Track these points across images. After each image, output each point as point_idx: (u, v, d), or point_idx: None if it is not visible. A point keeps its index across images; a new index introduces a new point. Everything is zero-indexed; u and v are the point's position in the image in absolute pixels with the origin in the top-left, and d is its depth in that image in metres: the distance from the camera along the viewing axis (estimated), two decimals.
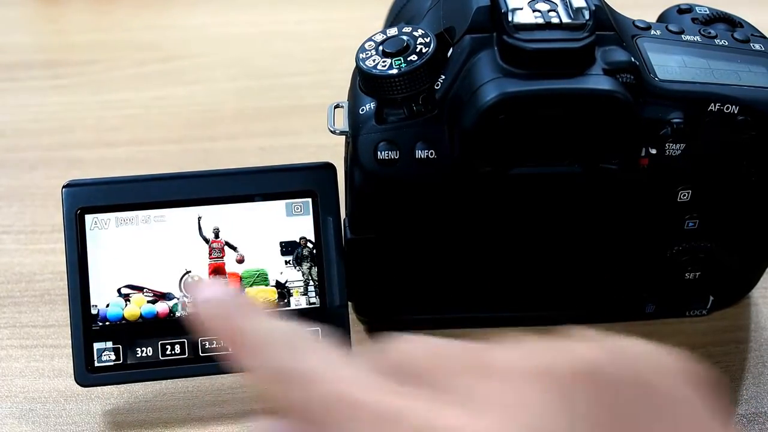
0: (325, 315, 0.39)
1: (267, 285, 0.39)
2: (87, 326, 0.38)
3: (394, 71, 0.35)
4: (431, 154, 0.36)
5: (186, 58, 0.61)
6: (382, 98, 0.36)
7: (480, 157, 0.35)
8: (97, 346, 0.38)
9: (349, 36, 0.53)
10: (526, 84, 0.34)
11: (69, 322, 0.38)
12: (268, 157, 0.53)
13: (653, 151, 0.36)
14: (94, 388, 0.40)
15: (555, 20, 0.34)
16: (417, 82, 0.35)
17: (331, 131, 0.38)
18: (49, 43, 0.65)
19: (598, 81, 0.34)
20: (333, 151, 0.42)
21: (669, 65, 0.36)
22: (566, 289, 0.41)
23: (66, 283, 0.38)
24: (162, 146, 0.54)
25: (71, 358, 0.38)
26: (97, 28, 0.65)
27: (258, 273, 0.39)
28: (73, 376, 0.38)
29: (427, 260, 0.39)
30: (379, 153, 0.36)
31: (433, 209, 0.37)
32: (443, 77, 0.36)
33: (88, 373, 0.38)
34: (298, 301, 0.39)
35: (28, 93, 0.59)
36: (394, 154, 0.36)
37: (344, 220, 0.40)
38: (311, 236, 0.39)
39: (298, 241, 0.39)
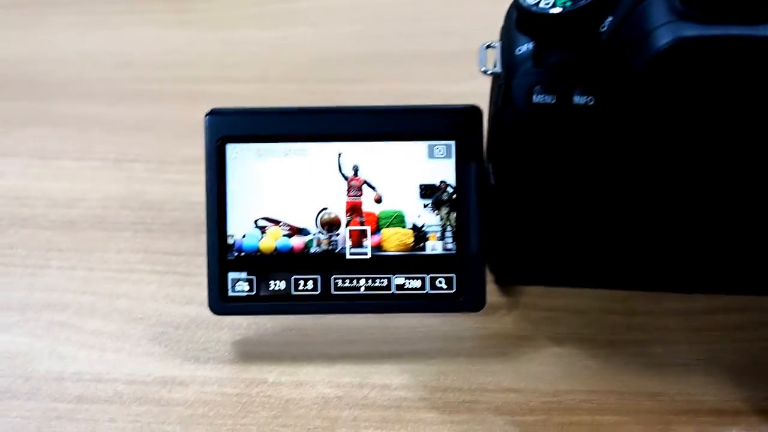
0: (461, 262, 0.38)
1: (404, 227, 0.38)
2: (222, 256, 0.38)
3: (558, 10, 0.33)
4: (590, 101, 0.34)
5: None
6: (542, 39, 0.35)
7: (646, 109, 0.33)
8: (231, 276, 0.38)
9: None
10: (705, 28, 0.31)
11: (201, 251, 0.38)
12: (394, 102, 0.52)
13: None
14: (223, 317, 0.40)
15: None
16: (582, 23, 0.33)
17: (483, 72, 0.37)
18: None
19: None
20: (463, 100, 0.41)
21: None
22: (738, 245, 0.37)
23: (196, 214, 0.38)
24: (285, 85, 0.54)
25: (201, 286, 0.38)
26: None
27: (395, 214, 0.38)
28: (204, 304, 0.38)
29: (575, 214, 0.38)
30: (534, 97, 0.35)
31: (586, 160, 0.36)
32: (610, 18, 0.34)
33: (221, 302, 0.38)
34: (434, 246, 0.38)
35: (151, 26, 0.59)
36: (550, 99, 0.35)
37: (488, 166, 0.38)
38: (452, 181, 0.38)
39: (438, 185, 0.38)
